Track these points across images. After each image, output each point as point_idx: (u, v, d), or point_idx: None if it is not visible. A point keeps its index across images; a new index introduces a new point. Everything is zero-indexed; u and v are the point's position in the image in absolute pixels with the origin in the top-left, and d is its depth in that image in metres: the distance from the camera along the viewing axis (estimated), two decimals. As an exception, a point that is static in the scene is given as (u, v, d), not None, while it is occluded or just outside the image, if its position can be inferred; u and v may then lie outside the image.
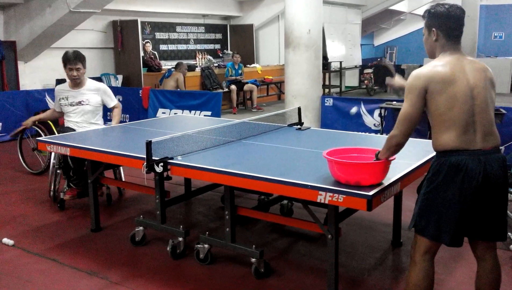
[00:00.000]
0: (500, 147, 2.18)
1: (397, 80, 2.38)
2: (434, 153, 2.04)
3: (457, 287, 2.62)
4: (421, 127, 3.47)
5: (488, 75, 1.99)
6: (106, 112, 4.68)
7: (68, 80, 3.98)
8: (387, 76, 2.56)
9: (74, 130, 3.87)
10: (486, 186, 1.91)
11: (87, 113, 3.94)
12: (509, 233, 3.03)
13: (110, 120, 4.17)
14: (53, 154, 3.98)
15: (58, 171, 4.03)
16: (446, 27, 1.99)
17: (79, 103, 3.91)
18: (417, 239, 2.05)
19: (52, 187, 4.08)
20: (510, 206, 3.39)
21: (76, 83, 3.91)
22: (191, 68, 9.70)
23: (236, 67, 9.59)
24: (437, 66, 1.95)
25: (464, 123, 1.90)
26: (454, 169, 1.90)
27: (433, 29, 2.02)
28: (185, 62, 9.55)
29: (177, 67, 8.59)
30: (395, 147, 2.05)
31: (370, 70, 12.60)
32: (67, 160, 3.72)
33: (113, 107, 4.07)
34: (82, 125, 3.93)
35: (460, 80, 1.92)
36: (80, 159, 3.63)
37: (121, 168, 4.20)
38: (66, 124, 4.00)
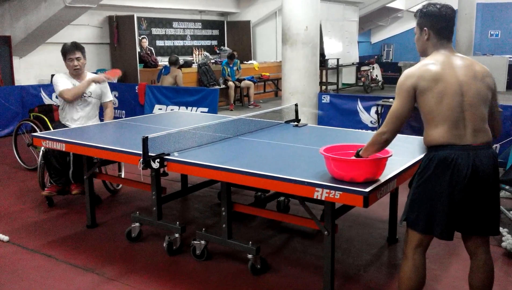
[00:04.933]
0: (496, 145, 2.19)
1: None
2: None
3: (452, 283, 2.64)
4: (416, 124, 3.48)
5: (477, 70, 1.99)
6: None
7: (68, 73, 3.86)
8: None
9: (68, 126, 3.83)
10: (475, 181, 1.93)
11: (90, 105, 3.89)
12: (501, 229, 3.06)
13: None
14: (41, 151, 3.94)
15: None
16: (438, 26, 2.03)
17: (83, 95, 3.85)
18: (409, 233, 2.09)
19: (42, 181, 4.02)
20: (504, 202, 3.43)
21: (78, 73, 3.83)
22: (188, 64, 9.66)
23: (231, 65, 9.56)
24: (427, 64, 2.00)
25: (453, 119, 1.94)
26: (443, 163, 1.94)
27: (425, 28, 2.06)
28: (181, 58, 9.52)
29: (173, 63, 8.54)
30: (383, 144, 2.09)
31: (367, 68, 12.61)
32: (47, 157, 3.69)
33: (107, 105, 4.00)
34: (79, 122, 3.88)
35: (449, 76, 1.96)
36: (62, 156, 3.60)
37: (122, 164, 4.17)
38: (62, 120, 3.95)
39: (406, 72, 2.03)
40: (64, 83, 3.78)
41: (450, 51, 2.04)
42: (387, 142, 2.07)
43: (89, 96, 3.88)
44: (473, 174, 1.92)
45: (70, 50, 3.77)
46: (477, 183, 1.94)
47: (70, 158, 3.67)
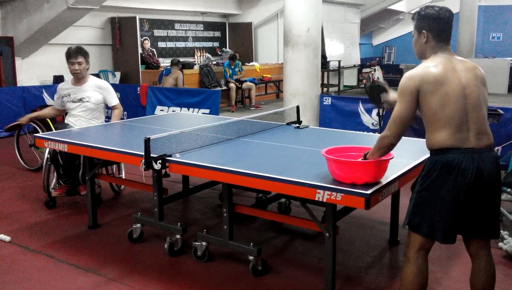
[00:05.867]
0: (497, 148, 2.19)
1: (392, 95, 2.44)
2: None
3: (453, 285, 2.64)
4: (418, 126, 3.50)
5: (478, 73, 2.01)
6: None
7: (71, 77, 3.94)
8: (382, 93, 2.60)
9: (72, 127, 3.85)
10: (479, 184, 1.93)
11: (88, 110, 3.91)
12: (501, 231, 3.05)
13: (109, 119, 4.15)
14: (46, 151, 3.96)
15: (51, 167, 3.99)
16: (436, 29, 2.02)
17: (81, 100, 3.88)
18: (411, 236, 2.08)
19: (46, 184, 4.04)
20: (505, 205, 3.43)
21: (78, 78, 3.87)
22: (190, 65, 9.68)
23: (232, 66, 9.58)
24: (429, 66, 1.99)
25: (457, 122, 1.93)
26: (448, 167, 1.93)
27: (423, 31, 2.04)
28: (183, 59, 9.54)
29: (174, 64, 8.57)
30: (387, 148, 2.08)
31: (368, 70, 12.62)
32: (57, 158, 3.71)
33: (114, 107, 4.02)
34: (82, 123, 3.90)
35: (452, 79, 1.95)
36: (71, 157, 3.62)
37: (122, 165, 4.19)
38: (66, 120, 3.98)
39: (407, 75, 2.01)
40: (55, 99, 4.12)
41: (449, 54, 2.03)
42: (392, 145, 2.06)
43: (87, 101, 3.90)
44: (477, 177, 1.92)
45: (72, 54, 3.82)
46: (481, 187, 1.94)
47: (80, 159, 3.68)
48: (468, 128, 1.94)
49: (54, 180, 3.92)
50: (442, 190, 1.94)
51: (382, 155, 2.11)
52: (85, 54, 3.86)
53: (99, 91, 3.92)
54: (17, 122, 4.34)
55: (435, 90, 1.93)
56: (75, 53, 3.81)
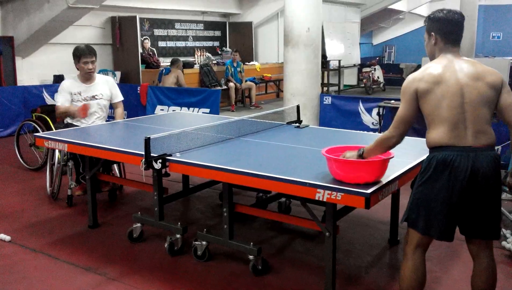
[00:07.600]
0: (497, 147, 2.19)
1: None
2: None
3: (453, 285, 2.64)
4: (418, 126, 3.50)
5: (490, 79, 1.99)
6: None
7: (78, 75, 3.87)
8: None
9: (76, 126, 3.83)
10: (473, 183, 1.94)
11: (102, 107, 3.90)
12: (503, 230, 3.05)
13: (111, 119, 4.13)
14: (56, 151, 3.94)
15: (66, 166, 3.95)
16: (444, 31, 2.07)
17: (93, 97, 3.85)
18: (409, 232, 2.10)
19: (57, 182, 4.01)
20: (506, 205, 3.43)
21: (90, 76, 3.85)
22: (190, 65, 9.67)
23: (235, 65, 9.57)
24: (429, 67, 2.05)
25: (453, 120, 1.95)
26: (442, 164, 1.96)
27: (432, 33, 2.10)
28: (183, 59, 9.54)
29: (174, 63, 8.57)
30: (391, 147, 2.14)
31: (368, 69, 12.62)
32: (77, 156, 3.70)
33: (117, 105, 4.02)
34: (96, 121, 3.87)
35: (449, 79, 1.98)
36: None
37: (121, 164, 4.19)
38: (69, 120, 3.91)
39: (409, 77, 2.08)
40: (63, 98, 3.77)
41: (455, 55, 2.06)
42: (395, 145, 2.12)
43: (101, 98, 3.89)
44: (472, 176, 1.93)
45: (86, 54, 3.76)
46: (477, 185, 1.95)
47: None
48: (466, 126, 1.96)
49: (73, 180, 3.89)
50: (437, 187, 1.97)
51: (382, 153, 2.17)
52: (95, 53, 3.86)
53: (107, 85, 3.93)
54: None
55: (431, 89, 1.97)
56: (89, 53, 3.76)
